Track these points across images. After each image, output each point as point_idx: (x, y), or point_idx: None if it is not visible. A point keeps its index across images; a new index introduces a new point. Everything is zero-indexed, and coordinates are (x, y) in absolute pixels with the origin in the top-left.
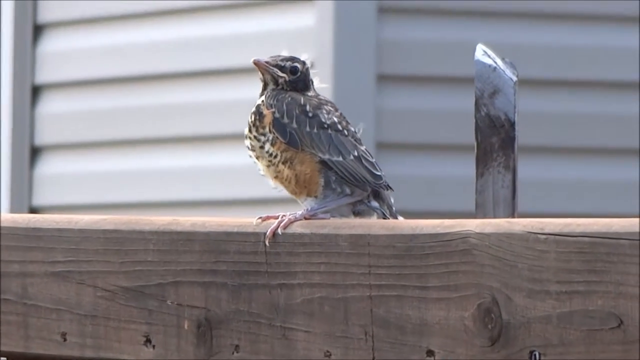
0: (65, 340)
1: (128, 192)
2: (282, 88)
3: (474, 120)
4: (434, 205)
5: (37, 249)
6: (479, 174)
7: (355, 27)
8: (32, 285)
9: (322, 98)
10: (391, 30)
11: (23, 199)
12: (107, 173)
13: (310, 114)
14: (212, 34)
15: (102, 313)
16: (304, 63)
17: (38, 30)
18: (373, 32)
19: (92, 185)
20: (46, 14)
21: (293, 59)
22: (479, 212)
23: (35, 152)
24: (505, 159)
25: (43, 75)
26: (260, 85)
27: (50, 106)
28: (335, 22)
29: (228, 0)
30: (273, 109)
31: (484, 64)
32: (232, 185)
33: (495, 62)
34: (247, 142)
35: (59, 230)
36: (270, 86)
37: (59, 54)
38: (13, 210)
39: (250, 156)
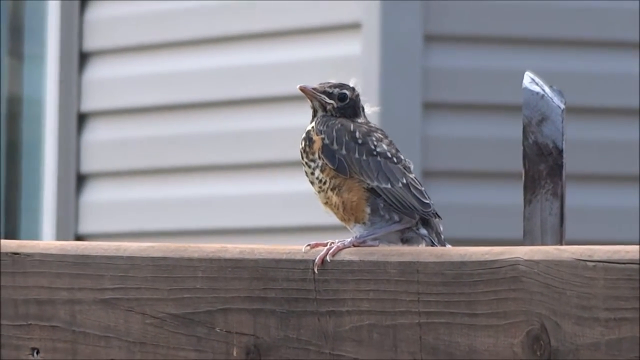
0: None
1: (175, 220)
2: (331, 114)
3: (522, 148)
4: (481, 233)
5: (86, 277)
6: (527, 201)
7: (401, 55)
8: (81, 313)
9: (372, 125)
10: (438, 57)
11: (69, 227)
12: (154, 200)
13: (359, 141)
14: (259, 62)
15: (151, 340)
16: (353, 90)
17: (84, 57)
18: (419, 60)
19: (139, 213)
20: (92, 41)
21: (342, 86)
22: (527, 239)
23: (81, 180)
24: (553, 187)
25: (89, 103)
26: (310, 112)
27: (96, 133)
28: (381, 49)
29: (275, 28)
30: (322, 135)
31: (531, 91)
32: (280, 212)
33: (543, 90)
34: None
35: (108, 257)
36: (320, 112)
37: (105, 82)
38: (59, 237)
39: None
